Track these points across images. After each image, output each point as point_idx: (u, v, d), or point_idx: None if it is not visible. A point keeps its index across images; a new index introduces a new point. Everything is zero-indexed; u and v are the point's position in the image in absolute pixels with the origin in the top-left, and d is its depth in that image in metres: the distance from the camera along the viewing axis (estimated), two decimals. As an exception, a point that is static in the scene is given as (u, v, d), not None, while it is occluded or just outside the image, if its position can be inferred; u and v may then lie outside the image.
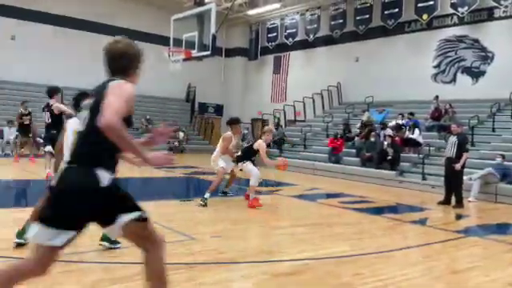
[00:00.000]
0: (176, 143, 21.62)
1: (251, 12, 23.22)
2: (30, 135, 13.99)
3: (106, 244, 4.68)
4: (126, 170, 10.31)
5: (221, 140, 8.63)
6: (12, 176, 11.28)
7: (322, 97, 20.96)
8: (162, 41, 17.57)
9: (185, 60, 15.43)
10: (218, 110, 26.25)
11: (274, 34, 23.65)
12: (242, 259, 4.69)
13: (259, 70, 25.34)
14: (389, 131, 14.36)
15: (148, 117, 22.45)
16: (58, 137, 6.74)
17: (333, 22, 20.45)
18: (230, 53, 26.09)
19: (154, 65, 20.57)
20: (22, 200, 8.57)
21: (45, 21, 19.96)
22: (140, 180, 11.66)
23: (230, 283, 4.12)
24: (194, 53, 14.80)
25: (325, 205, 9.08)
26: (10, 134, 15.64)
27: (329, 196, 10.57)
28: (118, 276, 3.93)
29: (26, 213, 4.68)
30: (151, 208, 6.87)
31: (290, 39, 22.62)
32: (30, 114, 13.52)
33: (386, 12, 18.21)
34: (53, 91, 8.05)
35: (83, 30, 20.84)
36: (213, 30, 13.89)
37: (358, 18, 19.33)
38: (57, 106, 7.68)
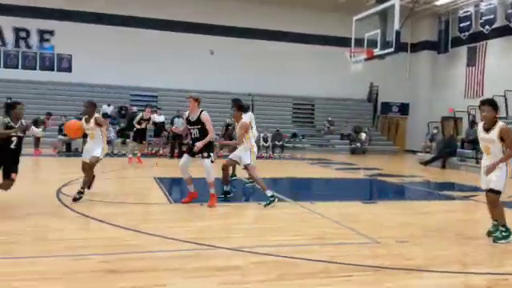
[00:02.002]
0: (358, 144, 21.41)
1: (440, 2, 21.50)
2: (144, 142, 14.22)
3: None
4: (309, 169, 10.63)
5: (240, 128, 7.57)
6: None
7: (530, 89, 18.07)
8: (343, 42, 17.63)
9: (366, 59, 15.19)
10: (403, 109, 25.01)
11: (467, 23, 21.38)
12: (432, 267, 4.36)
13: (450, 64, 23.25)
14: None
15: (330, 118, 22.79)
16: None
17: (543, 2, 17.49)
18: (416, 47, 24.59)
19: (336, 67, 20.94)
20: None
21: (239, 35, 22.12)
22: (323, 181, 11.91)
23: (419, 292, 3.88)
24: (377, 51, 14.45)
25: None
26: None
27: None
28: (303, 271, 4.08)
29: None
30: (334, 208, 7.01)
31: (487, 27, 20.13)
32: (149, 119, 13.88)
33: None
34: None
35: (272, 40, 22.42)
36: (397, 25, 13.35)
37: None
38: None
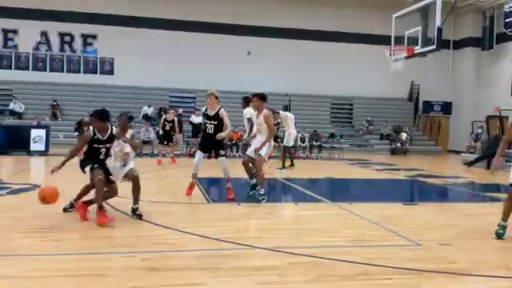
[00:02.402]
0: (398, 144, 20.93)
1: (484, -4, 20.76)
2: (171, 144, 14.17)
3: None
4: (348, 170, 10.49)
5: (267, 120, 7.38)
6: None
7: None
8: (382, 40, 17.28)
9: (407, 57, 14.84)
10: (446, 108, 24.25)
11: (514, 18, 20.52)
12: (476, 271, 4.20)
13: (495, 61, 22.36)
14: None
15: (369, 118, 22.41)
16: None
17: None
18: (459, 44, 23.80)
19: (375, 66, 20.56)
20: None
21: (276, 35, 22.13)
22: (362, 181, 11.73)
23: (463, 297, 3.75)
24: (418, 49, 14.08)
25: None
26: None
27: None
28: (342, 273, 4.03)
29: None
30: (374, 209, 6.88)
31: (536, 21, 19.25)
32: (173, 121, 14.07)
33: None
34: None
35: (309, 39, 22.33)
36: (438, 22, 12.97)
37: None
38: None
